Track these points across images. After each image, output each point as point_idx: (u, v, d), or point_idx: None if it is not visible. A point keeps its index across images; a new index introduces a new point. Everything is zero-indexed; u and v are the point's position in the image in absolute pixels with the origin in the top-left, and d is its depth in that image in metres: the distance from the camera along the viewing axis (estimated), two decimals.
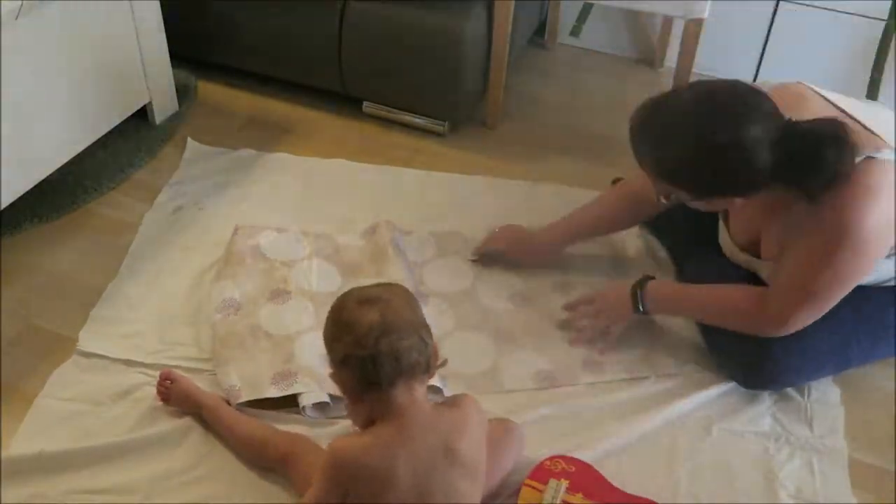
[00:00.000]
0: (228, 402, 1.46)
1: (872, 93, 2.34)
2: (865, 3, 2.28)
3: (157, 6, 2.08)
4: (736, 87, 1.32)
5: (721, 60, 2.50)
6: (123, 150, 2.10)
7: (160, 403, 1.48)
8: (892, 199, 1.32)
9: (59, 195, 1.95)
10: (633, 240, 1.90)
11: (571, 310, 1.69)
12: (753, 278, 1.56)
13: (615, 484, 1.36)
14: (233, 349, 1.56)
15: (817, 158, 1.29)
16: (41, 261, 1.80)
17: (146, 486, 1.36)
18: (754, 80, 2.54)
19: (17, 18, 1.65)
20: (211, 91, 2.38)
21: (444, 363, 1.21)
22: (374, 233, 1.85)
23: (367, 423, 1.18)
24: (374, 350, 1.12)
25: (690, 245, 1.75)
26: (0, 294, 1.71)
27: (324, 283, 1.73)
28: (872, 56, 2.32)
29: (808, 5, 2.36)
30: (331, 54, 2.20)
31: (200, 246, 1.83)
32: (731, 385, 1.58)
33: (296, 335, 1.59)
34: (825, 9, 2.34)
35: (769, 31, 2.44)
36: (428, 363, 1.18)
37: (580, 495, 1.33)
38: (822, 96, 1.45)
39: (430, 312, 1.60)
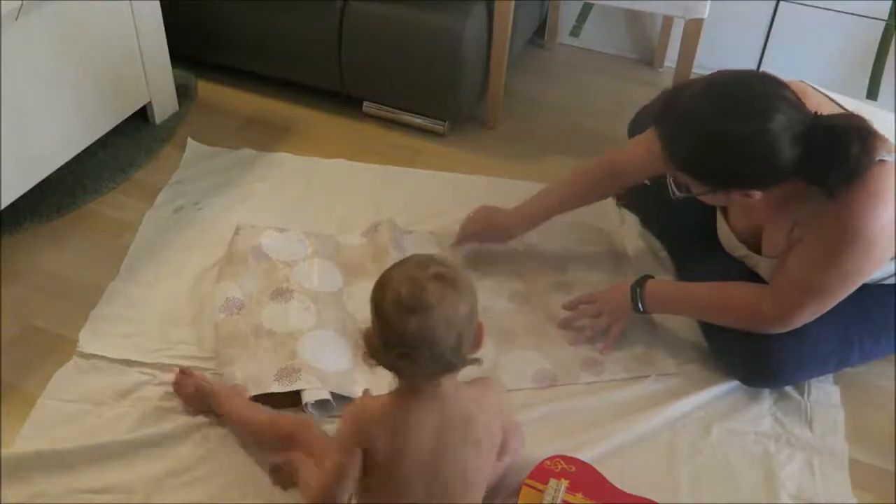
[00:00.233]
0: None
1: (872, 93, 2.34)
2: (865, 3, 2.28)
3: (157, 6, 2.08)
4: (760, 78, 1.31)
5: (721, 60, 2.49)
6: (123, 150, 2.10)
7: (162, 403, 1.48)
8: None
9: (59, 195, 1.95)
10: (633, 240, 1.90)
11: (571, 309, 1.69)
12: (754, 277, 1.56)
13: (615, 484, 1.36)
14: (236, 348, 1.56)
15: (842, 153, 1.27)
16: (41, 261, 1.80)
17: (146, 487, 1.36)
18: None
19: (17, 18, 1.65)
20: (211, 91, 2.38)
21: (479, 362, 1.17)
22: (376, 231, 1.85)
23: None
24: (411, 351, 1.08)
25: (690, 245, 1.75)
26: (0, 294, 1.71)
27: (325, 282, 1.73)
28: (872, 56, 2.32)
29: (808, 5, 2.36)
30: (331, 54, 2.21)
31: (200, 246, 1.83)
32: (732, 385, 1.58)
33: (298, 334, 1.59)
34: (825, 9, 2.34)
35: (769, 31, 2.44)
36: (464, 358, 1.13)
37: (580, 495, 1.33)
38: (825, 94, 1.45)
39: None
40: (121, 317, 1.66)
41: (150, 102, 2.17)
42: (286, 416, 1.43)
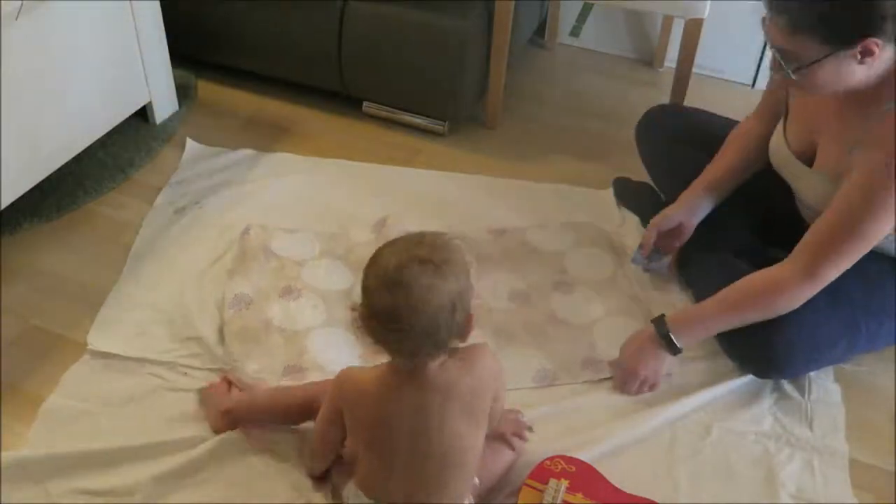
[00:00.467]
0: None
1: None
2: None
3: (157, 6, 2.08)
4: None
5: (721, 60, 2.50)
6: (123, 150, 2.10)
7: (170, 406, 1.49)
8: None
9: (59, 195, 1.95)
10: (633, 239, 1.90)
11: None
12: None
13: (615, 484, 1.36)
14: (248, 343, 1.58)
15: None
16: (41, 261, 1.80)
17: (146, 487, 1.36)
18: (754, 80, 2.55)
19: (17, 18, 1.65)
20: (211, 91, 2.38)
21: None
22: (384, 226, 1.86)
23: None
24: (386, 326, 1.10)
25: (691, 245, 1.75)
26: (0, 294, 1.71)
27: (334, 281, 1.74)
28: None
29: None
30: (331, 54, 2.21)
31: (201, 245, 1.83)
32: (732, 385, 1.58)
33: (306, 331, 1.60)
34: None
35: None
36: (444, 344, 1.13)
37: (580, 495, 1.33)
38: None
39: None
40: (127, 317, 1.65)
41: (150, 102, 2.17)
42: (304, 385, 1.46)
